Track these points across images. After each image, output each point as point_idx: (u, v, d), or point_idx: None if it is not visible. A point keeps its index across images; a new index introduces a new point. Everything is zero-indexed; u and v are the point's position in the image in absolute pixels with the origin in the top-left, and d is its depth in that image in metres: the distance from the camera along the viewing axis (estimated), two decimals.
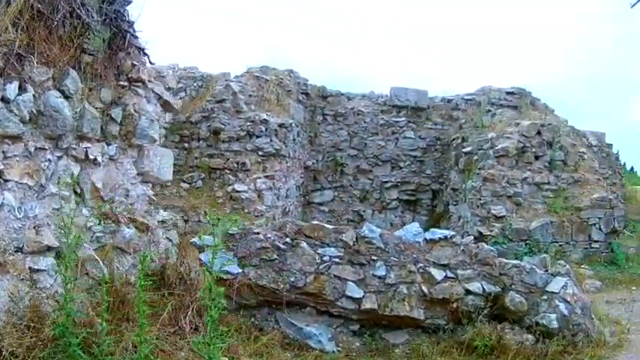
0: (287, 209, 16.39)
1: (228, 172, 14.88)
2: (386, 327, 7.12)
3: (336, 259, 6.96)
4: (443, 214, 17.95)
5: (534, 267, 7.32)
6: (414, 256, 7.10)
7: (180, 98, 15.26)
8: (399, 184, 18.94)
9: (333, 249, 7.01)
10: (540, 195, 14.98)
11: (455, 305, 6.97)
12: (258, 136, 15.14)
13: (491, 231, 14.05)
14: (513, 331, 6.98)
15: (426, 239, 7.27)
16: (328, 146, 19.11)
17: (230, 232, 6.96)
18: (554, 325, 6.87)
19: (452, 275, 7.05)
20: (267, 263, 6.90)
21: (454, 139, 17.84)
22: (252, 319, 6.91)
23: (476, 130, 17.05)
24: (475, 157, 15.76)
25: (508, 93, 17.95)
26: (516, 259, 12.69)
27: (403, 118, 19.03)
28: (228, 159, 15.01)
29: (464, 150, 16.54)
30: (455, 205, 16.75)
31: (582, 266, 13.54)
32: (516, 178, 14.81)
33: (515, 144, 15.17)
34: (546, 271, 7.42)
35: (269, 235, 7.04)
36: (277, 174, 15.48)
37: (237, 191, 14.47)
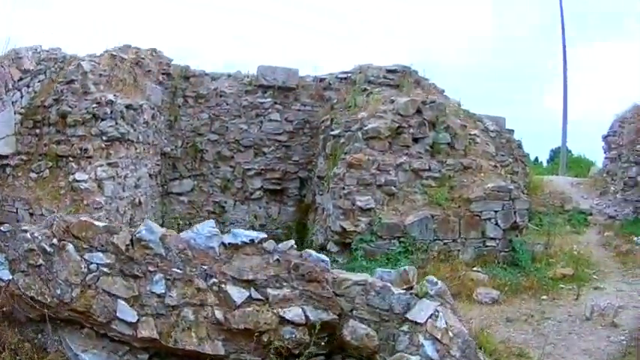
0: (137, 201, 14.84)
1: (72, 159, 13.23)
2: (183, 358, 5.43)
3: (105, 269, 5.44)
4: (311, 205, 16.19)
5: (388, 284, 5.27)
6: (205, 267, 5.16)
7: (39, 81, 14.20)
8: (262, 171, 17.27)
9: (101, 254, 5.48)
10: (419, 184, 12.99)
11: (265, 339, 4.97)
12: (103, 119, 13.48)
13: (357, 226, 11.87)
14: None
15: (224, 244, 5.29)
16: (188, 131, 17.41)
17: (2, 229, 5.89)
18: None
19: (259, 296, 5.09)
20: (35, 270, 5.62)
21: (323, 122, 16.05)
22: (39, 336, 5.70)
23: (348, 110, 15.13)
24: (342, 141, 13.74)
25: (389, 71, 16.19)
26: (388, 260, 10.95)
27: (269, 99, 17.39)
28: (73, 145, 13.34)
29: (332, 133, 14.66)
30: (321, 195, 14.77)
31: (474, 269, 11.51)
32: (389, 164, 12.73)
33: (389, 124, 13.09)
34: (409, 289, 5.39)
35: (37, 235, 5.73)
36: (123, 161, 14.03)
37: (78, 181, 12.86)
